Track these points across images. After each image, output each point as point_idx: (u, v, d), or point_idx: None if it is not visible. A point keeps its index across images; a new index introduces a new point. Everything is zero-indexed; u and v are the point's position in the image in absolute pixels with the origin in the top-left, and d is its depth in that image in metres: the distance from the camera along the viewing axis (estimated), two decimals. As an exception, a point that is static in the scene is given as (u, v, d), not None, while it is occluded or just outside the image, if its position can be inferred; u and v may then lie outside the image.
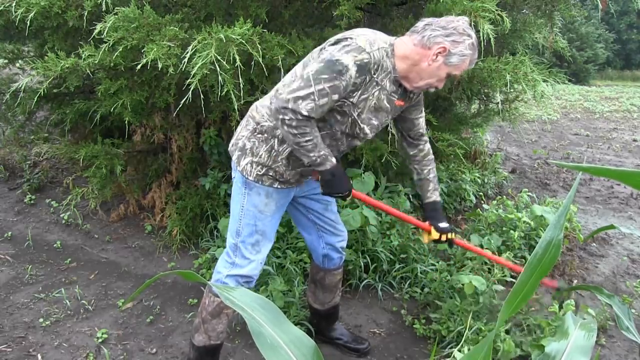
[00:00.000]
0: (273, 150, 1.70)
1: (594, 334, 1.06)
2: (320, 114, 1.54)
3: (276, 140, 1.70)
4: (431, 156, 1.97)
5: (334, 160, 1.62)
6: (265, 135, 1.70)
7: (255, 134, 1.72)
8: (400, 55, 1.61)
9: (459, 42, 1.56)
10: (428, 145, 1.97)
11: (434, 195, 1.96)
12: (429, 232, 1.91)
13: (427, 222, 1.92)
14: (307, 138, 1.53)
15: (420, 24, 1.60)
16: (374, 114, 1.69)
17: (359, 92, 1.59)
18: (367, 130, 1.71)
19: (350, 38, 1.54)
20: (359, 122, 1.66)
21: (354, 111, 1.63)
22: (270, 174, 1.73)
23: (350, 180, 1.71)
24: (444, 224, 1.90)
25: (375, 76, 1.59)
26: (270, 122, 1.69)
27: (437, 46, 1.55)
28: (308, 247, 2.14)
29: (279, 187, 1.76)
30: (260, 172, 1.72)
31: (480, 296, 2.30)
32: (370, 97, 1.63)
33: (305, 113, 1.49)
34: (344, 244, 2.11)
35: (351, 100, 1.60)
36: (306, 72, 1.51)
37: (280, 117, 1.51)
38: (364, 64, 1.52)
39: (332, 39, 1.59)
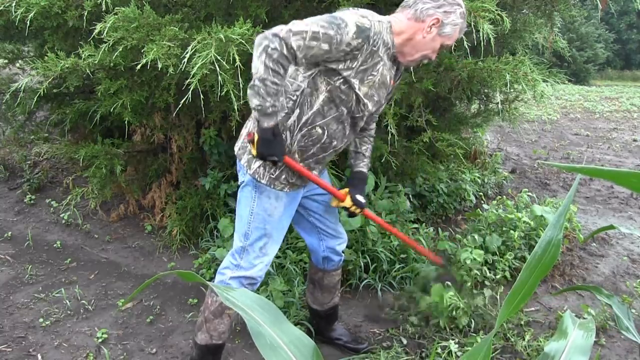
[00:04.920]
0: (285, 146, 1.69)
1: (593, 334, 1.06)
2: (302, 56, 1.49)
3: (288, 133, 1.69)
4: (372, 138, 2.01)
5: (278, 119, 1.58)
6: None
7: None
8: (397, 31, 1.63)
9: (451, 12, 1.60)
10: (373, 132, 2.01)
11: (364, 168, 1.98)
12: (342, 200, 1.86)
13: (346, 189, 1.88)
14: (275, 80, 1.47)
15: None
16: (377, 91, 1.69)
17: (358, 62, 1.57)
18: (370, 107, 1.71)
19: (353, 8, 1.61)
20: (362, 97, 1.65)
21: (354, 86, 1.61)
22: (283, 176, 1.72)
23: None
24: (361, 198, 1.88)
25: (376, 49, 1.59)
26: (280, 114, 1.68)
27: (430, 18, 1.59)
28: (308, 249, 2.14)
29: (289, 190, 1.76)
30: (273, 175, 1.72)
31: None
32: (375, 73, 1.63)
33: (293, 45, 1.45)
34: (344, 246, 2.11)
35: (348, 73, 1.58)
36: (307, 19, 1.51)
37: (266, 42, 1.44)
38: (365, 28, 1.53)
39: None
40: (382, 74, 1.65)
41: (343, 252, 2.12)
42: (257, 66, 1.47)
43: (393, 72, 1.74)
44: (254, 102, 1.50)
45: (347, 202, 1.85)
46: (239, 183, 1.83)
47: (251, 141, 1.58)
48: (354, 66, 1.57)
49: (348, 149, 2.02)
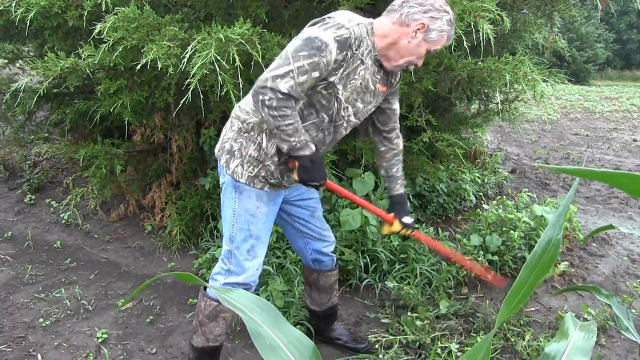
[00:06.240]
0: (261, 149, 1.67)
1: (594, 335, 1.06)
2: (300, 93, 1.50)
3: (264, 136, 1.67)
4: (401, 156, 1.99)
5: (313, 147, 1.58)
6: (252, 133, 1.68)
7: (242, 133, 1.70)
8: (379, 34, 1.61)
9: (437, 18, 1.56)
10: (401, 142, 1.98)
11: (401, 189, 1.98)
12: (391, 224, 1.91)
13: (391, 214, 1.92)
14: (287, 121, 1.49)
15: (397, 2, 1.60)
16: (360, 96, 1.66)
17: (341, 69, 1.56)
18: (351, 111, 1.68)
19: (329, 17, 1.56)
20: (344, 101, 1.63)
21: (338, 92, 1.60)
22: (262, 174, 1.70)
23: (326, 170, 1.69)
24: (407, 219, 1.91)
25: (357, 52, 1.57)
26: (256, 117, 1.66)
27: (415, 23, 1.55)
28: (296, 252, 2.13)
29: (269, 190, 1.74)
30: (251, 173, 1.70)
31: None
32: (356, 77, 1.61)
33: (285, 91, 1.45)
34: (332, 248, 2.09)
35: (332, 79, 1.56)
36: (285, 51, 1.50)
37: (260, 97, 1.47)
38: (344, 39, 1.51)
39: (311, 22, 1.58)
40: (363, 77, 1.63)
41: (333, 252, 2.10)
42: (265, 118, 1.51)
43: (379, 77, 1.70)
44: (283, 147, 1.56)
45: (396, 227, 1.90)
46: (220, 185, 1.81)
47: (292, 168, 1.63)
48: (337, 73, 1.56)
49: (378, 173, 2.03)
